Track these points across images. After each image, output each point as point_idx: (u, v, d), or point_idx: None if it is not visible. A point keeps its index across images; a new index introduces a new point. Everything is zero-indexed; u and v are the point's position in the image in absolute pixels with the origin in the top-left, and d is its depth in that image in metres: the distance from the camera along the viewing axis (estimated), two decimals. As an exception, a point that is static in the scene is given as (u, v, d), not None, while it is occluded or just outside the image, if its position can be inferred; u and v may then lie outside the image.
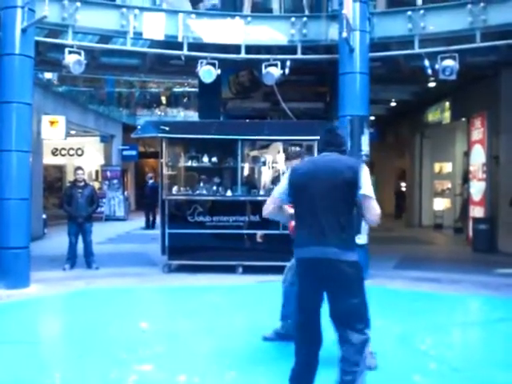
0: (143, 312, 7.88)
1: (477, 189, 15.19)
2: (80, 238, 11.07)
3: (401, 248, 14.27)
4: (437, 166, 21.05)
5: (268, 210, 4.43)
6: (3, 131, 9.02)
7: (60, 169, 24.80)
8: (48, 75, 20.24)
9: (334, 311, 4.02)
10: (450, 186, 20.15)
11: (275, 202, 4.39)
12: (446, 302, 8.55)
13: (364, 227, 9.92)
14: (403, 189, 24.43)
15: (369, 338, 4.05)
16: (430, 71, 9.88)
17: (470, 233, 14.85)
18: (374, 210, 4.02)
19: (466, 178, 17.08)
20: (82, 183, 11.27)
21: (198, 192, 10.96)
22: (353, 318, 3.97)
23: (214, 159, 11.04)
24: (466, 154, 16.89)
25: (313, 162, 4.40)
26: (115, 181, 23.85)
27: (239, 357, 5.63)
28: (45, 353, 6.19)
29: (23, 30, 8.88)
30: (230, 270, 10.35)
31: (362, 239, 9.92)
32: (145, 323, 6.97)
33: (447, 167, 20.69)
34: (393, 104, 20.22)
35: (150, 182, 20.48)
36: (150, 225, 19.88)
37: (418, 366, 5.39)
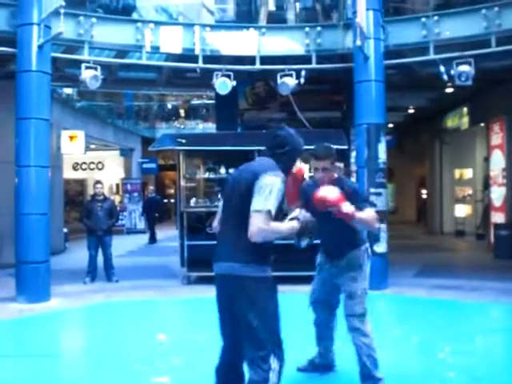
0: (162, 324, 7.90)
1: (497, 194, 15.04)
2: (100, 252, 11.16)
3: (422, 256, 14.16)
4: (457, 173, 20.87)
5: (214, 224, 3.92)
6: (22, 147, 9.12)
7: (81, 183, 24.99)
8: (67, 90, 20.45)
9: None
10: (471, 192, 19.93)
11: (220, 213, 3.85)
12: (466, 310, 8.48)
13: (383, 236, 9.90)
14: (424, 196, 24.31)
15: (270, 375, 3.41)
16: (445, 77, 9.82)
17: (492, 239, 14.71)
18: (251, 226, 3.34)
19: (486, 184, 16.92)
20: (102, 197, 11.38)
21: (216, 203, 10.96)
22: (247, 345, 3.53)
23: (232, 170, 11.04)
24: (486, 160, 16.75)
25: (241, 167, 3.78)
26: (136, 194, 23.98)
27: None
28: (65, 366, 6.22)
29: (39, 47, 9.01)
30: (249, 280, 10.30)
31: (380, 247, 9.88)
32: (163, 335, 6.98)
33: (468, 173, 20.48)
34: (411, 111, 20.10)
35: (151, 195, 21.18)
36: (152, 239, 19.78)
37: (438, 374, 5.32)
